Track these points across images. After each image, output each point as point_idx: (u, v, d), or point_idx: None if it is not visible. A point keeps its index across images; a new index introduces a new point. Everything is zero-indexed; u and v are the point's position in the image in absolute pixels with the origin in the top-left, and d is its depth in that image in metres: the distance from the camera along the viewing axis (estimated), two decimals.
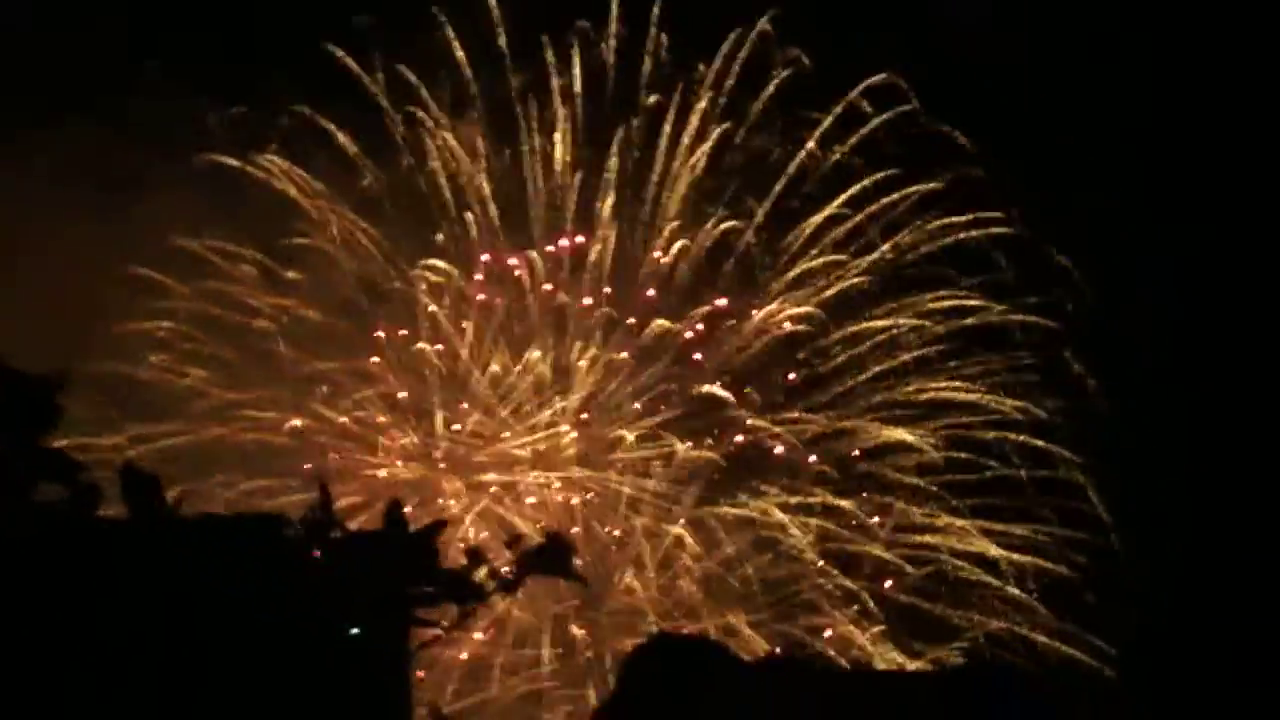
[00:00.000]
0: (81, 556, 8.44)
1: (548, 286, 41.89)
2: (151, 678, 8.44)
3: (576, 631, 40.06)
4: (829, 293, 41.77)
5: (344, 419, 41.20)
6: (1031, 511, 40.83)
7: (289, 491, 39.60)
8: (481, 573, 8.82)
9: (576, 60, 41.60)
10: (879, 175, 41.16)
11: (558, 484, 41.08)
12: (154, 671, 8.44)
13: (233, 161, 40.60)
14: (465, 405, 41.61)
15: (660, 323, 41.71)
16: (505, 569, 8.95)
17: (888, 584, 40.85)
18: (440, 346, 41.48)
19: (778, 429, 41.37)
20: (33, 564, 8.35)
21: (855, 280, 41.66)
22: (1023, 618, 40.65)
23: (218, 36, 40.41)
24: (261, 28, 40.40)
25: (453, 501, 40.49)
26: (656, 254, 41.65)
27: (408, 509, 8.94)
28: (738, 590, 40.60)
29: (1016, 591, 40.70)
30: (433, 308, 41.33)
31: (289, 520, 8.70)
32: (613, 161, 41.38)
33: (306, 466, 40.45)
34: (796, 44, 41.32)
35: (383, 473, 40.67)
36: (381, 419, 41.41)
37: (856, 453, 41.56)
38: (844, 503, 40.97)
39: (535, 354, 41.50)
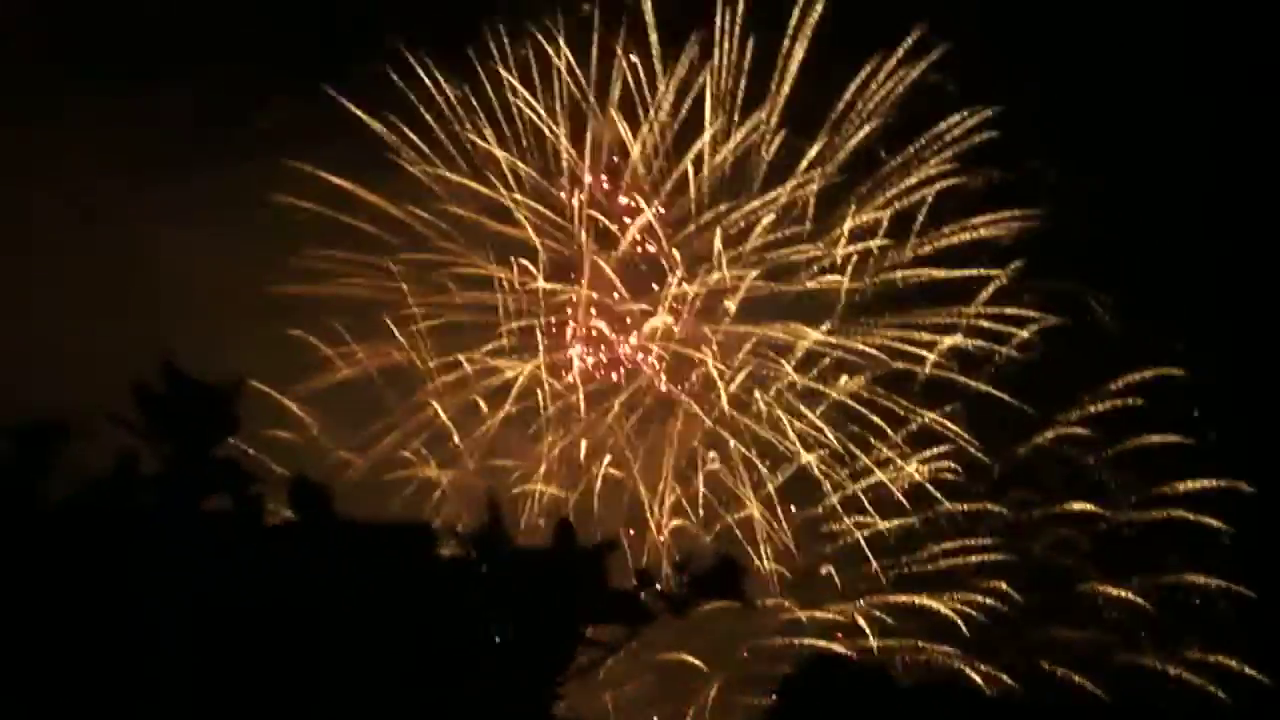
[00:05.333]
0: (249, 566, 8.37)
1: None
2: (301, 687, 8.35)
3: None
4: None
5: None
6: None
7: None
8: (650, 595, 8.62)
9: None
10: None
11: None
12: (304, 681, 8.35)
13: None
14: None
15: None
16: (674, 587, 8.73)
17: None
18: None
19: None
20: (201, 572, 8.28)
21: None
22: None
23: None
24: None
25: None
26: None
27: None
28: None
29: None
30: None
31: (457, 533, 8.56)
32: None
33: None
34: None
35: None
36: None
37: None
38: None
39: None
